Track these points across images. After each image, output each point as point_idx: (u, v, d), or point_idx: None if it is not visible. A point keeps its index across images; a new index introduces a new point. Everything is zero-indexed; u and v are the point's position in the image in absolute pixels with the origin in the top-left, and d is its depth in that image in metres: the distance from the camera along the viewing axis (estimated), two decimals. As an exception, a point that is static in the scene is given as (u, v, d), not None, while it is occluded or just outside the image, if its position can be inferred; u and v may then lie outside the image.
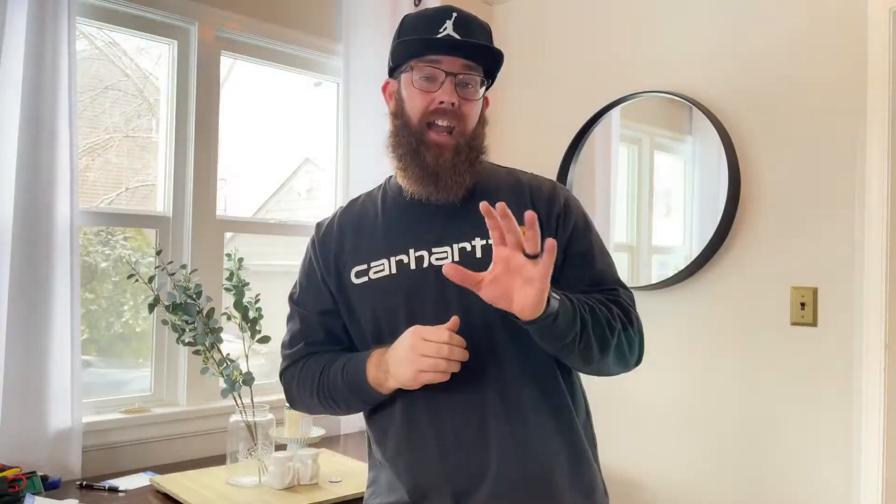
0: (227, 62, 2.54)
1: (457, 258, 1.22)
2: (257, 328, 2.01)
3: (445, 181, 1.22)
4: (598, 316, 1.17)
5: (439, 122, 1.23)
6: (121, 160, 2.40)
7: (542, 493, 1.22)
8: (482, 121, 1.29)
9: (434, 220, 1.25)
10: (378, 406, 1.28)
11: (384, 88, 1.35)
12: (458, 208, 1.25)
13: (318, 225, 1.38)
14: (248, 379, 1.97)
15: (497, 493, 1.20)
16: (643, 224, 2.62)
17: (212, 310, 1.98)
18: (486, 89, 1.30)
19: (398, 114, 1.29)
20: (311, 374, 1.29)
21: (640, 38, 2.66)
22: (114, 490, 1.96)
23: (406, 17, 1.30)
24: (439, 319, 1.16)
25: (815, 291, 2.19)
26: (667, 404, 2.50)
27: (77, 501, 1.82)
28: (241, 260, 2.01)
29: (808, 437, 2.19)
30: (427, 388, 1.17)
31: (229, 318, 2.02)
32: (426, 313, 1.20)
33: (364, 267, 1.27)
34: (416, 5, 2.82)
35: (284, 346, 1.37)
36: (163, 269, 2.00)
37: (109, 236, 2.37)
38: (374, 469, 1.33)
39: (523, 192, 1.29)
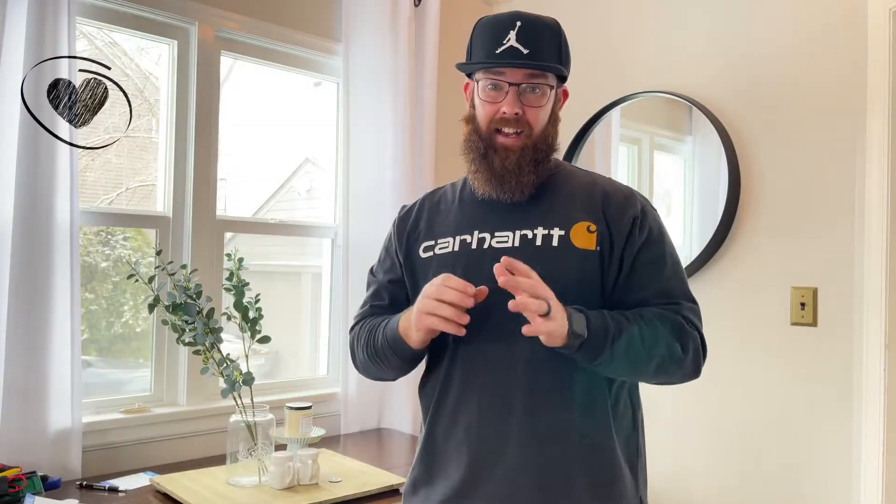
0: (227, 62, 2.54)
1: (517, 243, 1.29)
2: (257, 328, 2.01)
3: (510, 183, 1.30)
4: (635, 342, 1.21)
5: (506, 130, 1.30)
6: (121, 160, 2.40)
7: (559, 487, 1.23)
8: (553, 120, 1.35)
9: (503, 209, 1.33)
10: (425, 376, 1.38)
11: (465, 88, 1.40)
12: (529, 201, 1.33)
13: (403, 206, 1.50)
14: (248, 379, 1.97)
15: (511, 476, 1.23)
16: (643, 224, 2.62)
17: (212, 310, 1.98)
18: (561, 85, 1.36)
19: (470, 119, 1.35)
20: (367, 331, 1.39)
21: (640, 38, 2.66)
22: (114, 490, 1.96)
23: (478, 22, 1.35)
24: (489, 297, 1.23)
25: (815, 291, 2.19)
26: (666, 404, 2.50)
27: (77, 501, 1.83)
28: (241, 260, 2.01)
29: (808, 437, 2.19)
30: (464, 362, 1.28)
31: (229, 318, 2.02)
32: None
33: (432, 243, 1.38)
34: (415, 6, 2.82)
35: (357, 309, 1.50)
36: (163, 269, 2.00)
37: (109, 236, 2.37)
38: (420, 444, 1.38)
39: (595, 193, 1.34)
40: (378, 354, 1.35)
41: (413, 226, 1.42)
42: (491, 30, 1.30)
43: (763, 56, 2.33)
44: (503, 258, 1.16)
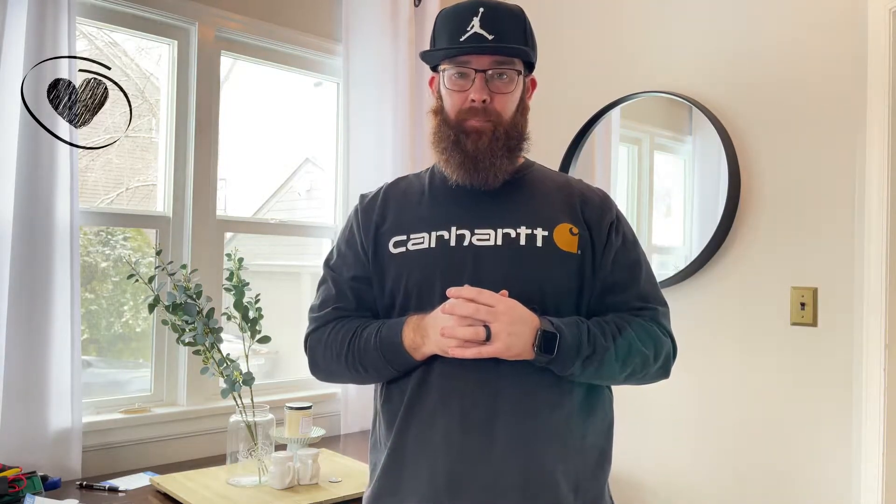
0: (227, 62, 2.54)
1: (500, 242, 1.26)
2: (257, 328, 2.01)
3: (484, 165, 1.26)
4: (609, 359, 1.21)
5: (474, 119, 1.27)
6: (121, 160, 2.40)
7: (543, 493, 1.22)
8: (521, 108, 1.32)
9: (479, 203, 1.29)
10: (391, 381, 1.30)
11: (430, 83, 1.38)
12: (505, 196, 1.29)
13: (363, 196, 1.41)
14: (248, 379, 1.97)
15: (494, 484, 1.20)
16: (643, 224, 2.62)
17: (212, 310, 1.98)
18: (529, 74, 1.34)
19: (438, 111, 1.32)
20: (341, 337, 1.29)
21: (640, 38, 2.66)
22: (114, 490, 1.96)
23: (439, 14, 1.33)
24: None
25: (815, 291, 2.19)
26: (666, 403, 2.50)
27: (77, 501, 1.83)
28: (241, 260, 2.01)
29: (808, 438, 2.19)
30: (443, 367, 1.22)
31: (229, 318, 2.02)
32: None
33: (403, 238, 1.30)
34: (415, 6, 2.82)
35: (313, 309, 1.38)
36: (163, 269, 2.01)
37: (109, 236, 2.37)
38: (375, 452, 1.34)
39: (573, 194, 1.33)
40: (364, 365, 1.27)
41: (379, 218, 1.34)
42: (454, 18, 1.28)
43: (763, 56, 2.33)
44: (449, 290, 1.17)
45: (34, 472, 1.87)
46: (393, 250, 1.30)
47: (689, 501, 2.44)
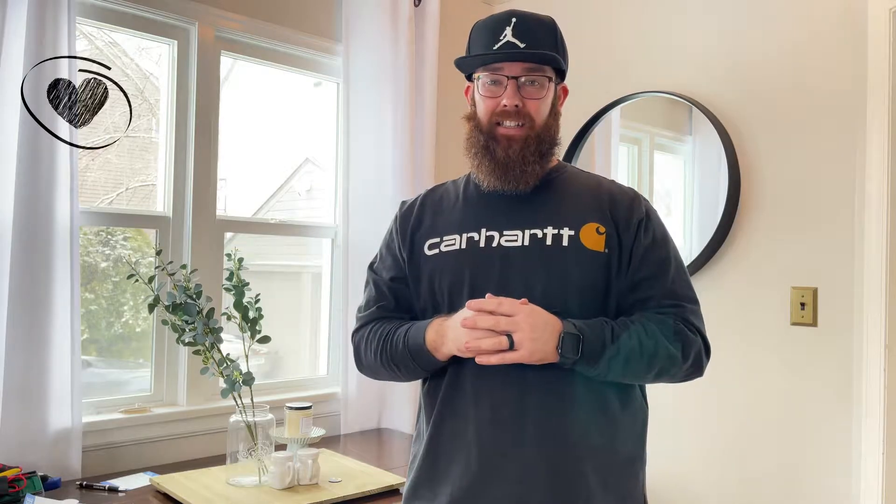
0: (227, 62, 2.54)
1: (527, 242, 1.30)
2: (257, 328, 2.01)
3: (515, 172, 1.31)
4: (634, 356, 1.23)
5: (507, 123, 1.31)
6: (121, 160, 2.40)
7: (572, 487, 1.24)
8: (553, 113, 1.36)
9: (509, 207, 1.34)
10: (432, 375, 1.35)
11: (466, 92, 1.42)
12: (534, 198, 1.33)
13: (403, 202, 1.49)
14: (248, 379, 1.97)
15: (523, 477, 1.23)
16: (643, 224, 2.62)
17: (212, 310, 1.98)
18: (561, 81, 1.39)
19: (471, 117, 1.37)
20: (378, 337, 1.37)
21: (640, 38, 2.66)
22: (114, 490, 1.96)
23: (474, 25, 1.38)
24: (498, 295, 1.24)
25: (815, 291, 2.19)
26: (666, 403, 2.50)
27: (77, 501, 1.83)
28: (241, 260, 2.01)
29: (808, 437, 2.19)
30: (475, 365, 1.25)
31: (229, 318, 2.02)
32: (487, 289, 1.26)
33: (437, 240, 1.37)
34: (415, 6, 2.82)
35: (360, 309, 1.47)
36: (163, 270, 2.00)
37: (109, 236, 2.37)
38: (417, 442, 1.38)
39: (602, 195, 1.36)
40: (396, 363, 1.34)
41: (416, 222, 1.41)
42: (487, 28, 1.33)
43: (763, 56, 2.33)
44: (469, 302, 1.21)
45: (34, 472, 1.87)
46: (427, 252, 1.37)
47: (689, 500, 2.44)
